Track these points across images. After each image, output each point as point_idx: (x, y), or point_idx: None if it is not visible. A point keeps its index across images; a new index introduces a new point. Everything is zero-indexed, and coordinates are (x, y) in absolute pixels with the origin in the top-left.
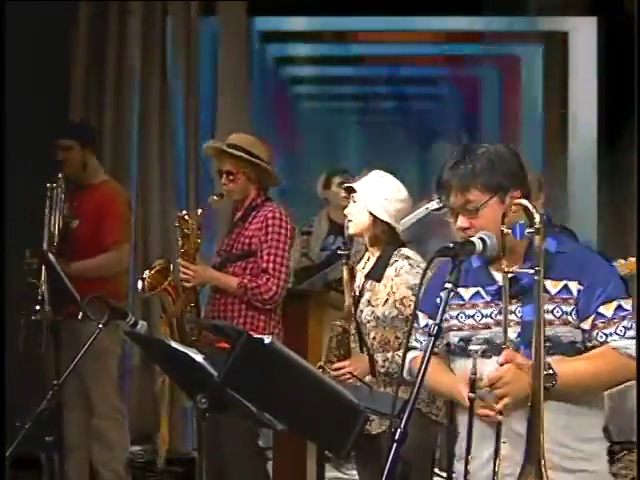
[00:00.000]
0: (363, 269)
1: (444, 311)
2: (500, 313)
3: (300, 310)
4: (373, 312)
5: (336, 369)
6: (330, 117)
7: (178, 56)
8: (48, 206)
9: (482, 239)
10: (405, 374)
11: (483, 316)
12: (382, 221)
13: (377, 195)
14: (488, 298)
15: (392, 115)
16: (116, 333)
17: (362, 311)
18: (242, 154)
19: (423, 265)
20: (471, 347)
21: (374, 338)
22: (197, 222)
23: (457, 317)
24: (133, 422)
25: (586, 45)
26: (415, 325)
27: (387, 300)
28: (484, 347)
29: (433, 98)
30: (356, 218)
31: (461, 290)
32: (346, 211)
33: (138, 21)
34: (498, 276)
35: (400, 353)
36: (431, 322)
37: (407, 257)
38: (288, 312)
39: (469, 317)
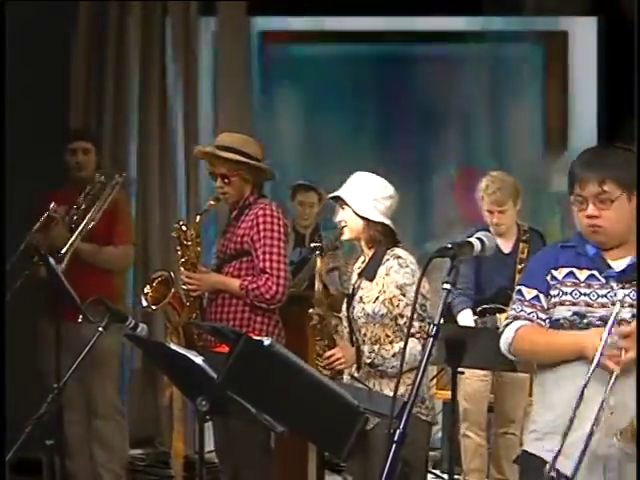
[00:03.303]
0: (359, 269)
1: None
2: (615, 295)
3: (299, 313)
4: (363, 309)
5: (327, 358)
6: (329, 116)
7: (177, 56)
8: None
9: (480, 240)
10: (503, 345)
11: (599, 296)
12: (375, 222)
13: (365, 197)
14: (603, 281)
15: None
16: (117, 334)
17: (354, 308)
18: (236, 156)
19: (413, 264)
20: (585, 321)
21: (365, 334)
22: (196, 230)
23: (571, 294)
24: (134, 425)
25: (586, 45)
26: (520, 297)
27: (377, 298)
28: (598, 323)
29: (430, 98)
30: (349, 224)
31: (576, 271)
32: (337, 219)
33: (137, 21)
34: (612, 263)
35: (387, 347)
36: (541, 295)
37: (398, 257)
38: (287, 315)
39: (584, 295)
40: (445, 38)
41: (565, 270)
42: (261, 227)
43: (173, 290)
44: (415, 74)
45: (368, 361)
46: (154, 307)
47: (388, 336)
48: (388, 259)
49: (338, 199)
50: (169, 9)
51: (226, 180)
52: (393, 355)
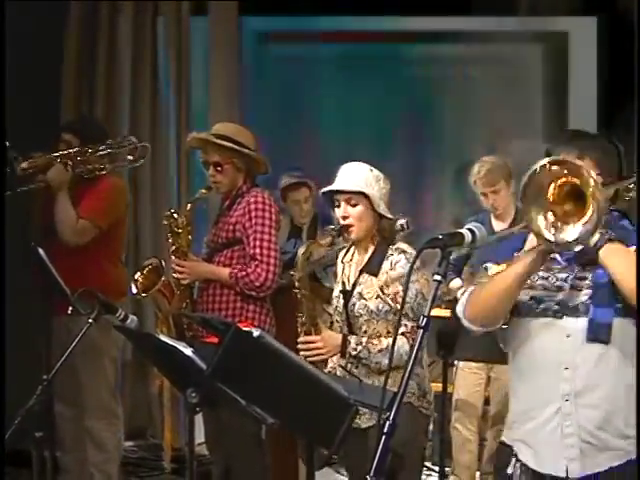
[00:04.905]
0: (350, 261)
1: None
2: (575, 277)
3: (290, 303)
4: (366, 306)
5: (303, 343)
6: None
7: (169, 56)
8: None
9: (471, 230)
10: (459, 312)
11: (557, 279)
12: (389, 218)
13: (379, 193)
14: (564, 263)
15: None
16: (111, 333)
17: (354, 305)
18: (229, 144)
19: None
20: (542, 306)
21: (365, 331)
22: (187, 218)
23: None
24: (125, 417)
25: (586, 45)
26: (485, 274)
27: (379, 293)
28: (556, 307)
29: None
30: (362, 222)
31: None
32: (342, 214)
33: (129, 21)
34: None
35: (374, 342)
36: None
37: (403, 251)
38: (278, 306)
39: (542, 279)
40: (445, 38)
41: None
42: (253, 214)
43: (163, 278)
44: (414, 73)
45: (354, 353)
46: (144, 294)
47: (389, 332)
48: (392, 254)
49: (348, 193)
50: (160, 9)
51: (219, 168)
52: (379, 350)
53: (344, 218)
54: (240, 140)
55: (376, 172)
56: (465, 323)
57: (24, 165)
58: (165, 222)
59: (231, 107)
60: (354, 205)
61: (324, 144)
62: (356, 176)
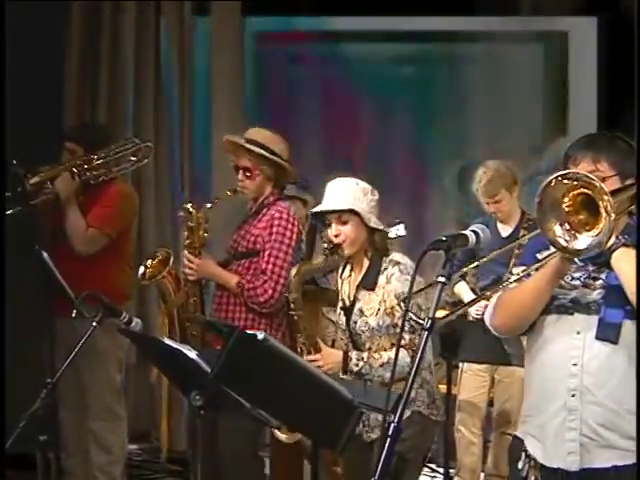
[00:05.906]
0: (349, 277)
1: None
2: (589, 277)
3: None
4: (367, 323)
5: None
6: (327, 115)
7: (172, 56)
8: None
9: (475, 232)
10: (487, 319)
11: (573, 278)
12: (380, 230)
13: (368, 207)
14: (580, 263)
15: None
16: (116, 336)
17: (355, 322)
18: (261, 151)
19: (413, 269)
20: (556, 303)
21: (369, 348)
22: (204, 216)
23: None
24: (130, 420)
25: (586, 45)
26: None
27: (379, 309)
28: (570, 305)
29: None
30: (353, 237)
31: (558, 254)
32: (333, 233)
33: (132, 21)
34: None
35: (376, 356)
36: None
37: (397, 263)
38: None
39: None
40: (445, 38)
41: (547, 252)
42: (274, 230)
43: (168, 268)
44: (414, 73)
45: (355, 369)
46: (149, 280)
47: (394, 344)
48: (387, 267)
49: (337, 212)
50: (163, 9)
51: (248, 174)
52: (381, 365)
53: (336, 237)
54: (272, 147)
55: (362, 185)
56: (492, 330)
57: (33, 181)
58: (182, 213)
59: (234, 107)
60: (344, 222)
61: (325, 144)
62: (343, 193)
